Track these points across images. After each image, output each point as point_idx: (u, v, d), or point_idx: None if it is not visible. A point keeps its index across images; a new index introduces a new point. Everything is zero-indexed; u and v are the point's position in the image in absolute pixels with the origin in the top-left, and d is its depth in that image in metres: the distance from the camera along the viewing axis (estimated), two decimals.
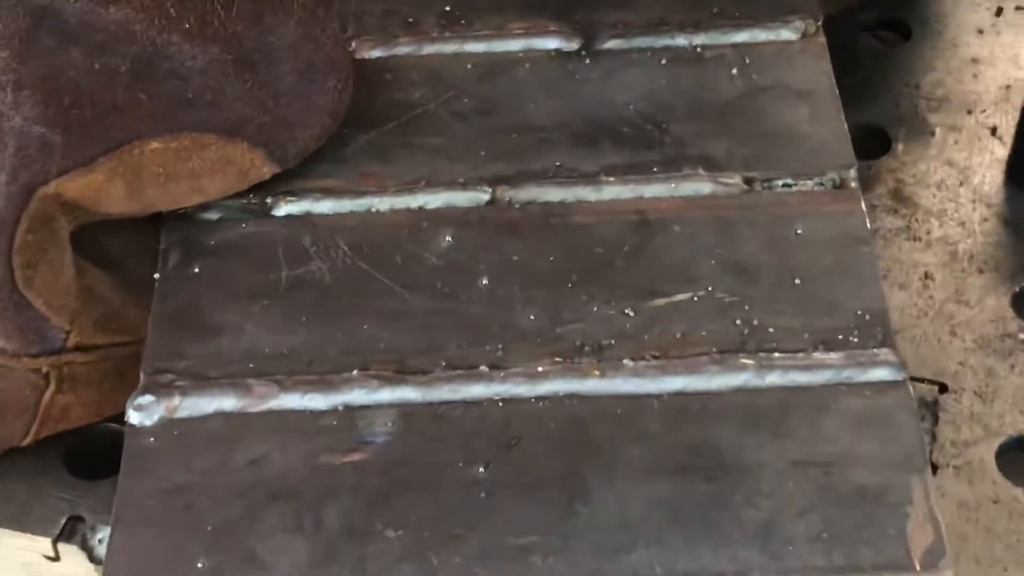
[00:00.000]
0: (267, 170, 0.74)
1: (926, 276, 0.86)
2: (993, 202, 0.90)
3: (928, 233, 0.89)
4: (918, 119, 0.95)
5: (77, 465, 0.77)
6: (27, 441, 0.73)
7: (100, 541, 0.74)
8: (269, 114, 0.73)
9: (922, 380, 0.80)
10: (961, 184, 0.91)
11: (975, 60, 0.98)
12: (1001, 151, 0.92)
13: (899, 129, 0.94)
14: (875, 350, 0.68)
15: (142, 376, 0.69)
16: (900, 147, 0.92)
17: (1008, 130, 0.93)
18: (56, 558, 0.75)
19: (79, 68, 0.68)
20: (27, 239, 0.68)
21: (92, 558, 0.74)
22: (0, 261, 0.67)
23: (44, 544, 0.74)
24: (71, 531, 0.74)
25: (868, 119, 0.93)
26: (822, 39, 0.82)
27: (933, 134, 0.94)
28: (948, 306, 0.85)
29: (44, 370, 0.70)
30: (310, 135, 0.75)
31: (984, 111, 0.95)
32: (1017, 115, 0.92)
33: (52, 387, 0.71)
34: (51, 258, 0.69)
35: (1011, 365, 0.81)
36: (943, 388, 0.77)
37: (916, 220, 0.89)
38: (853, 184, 0.76)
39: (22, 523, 0.74)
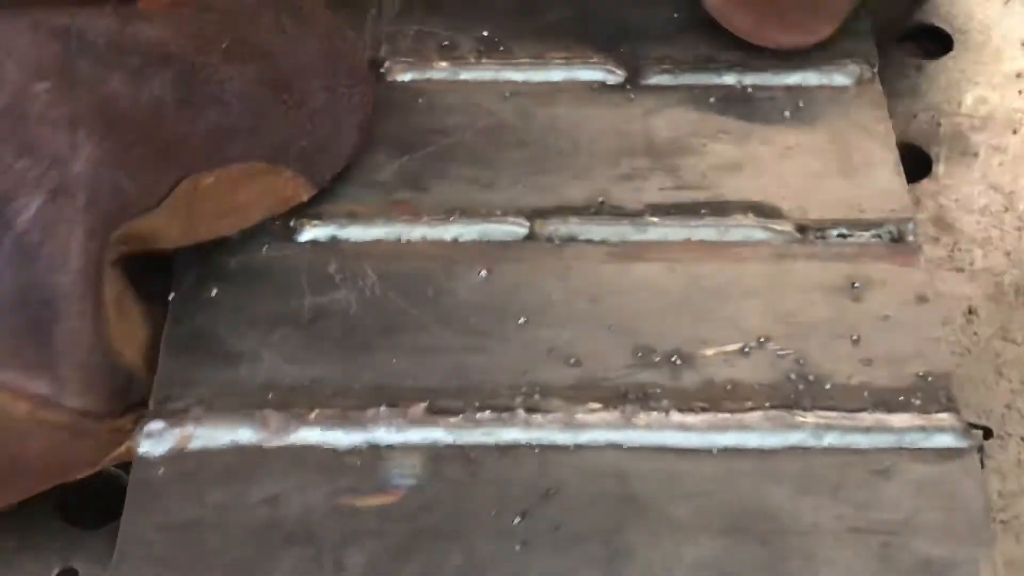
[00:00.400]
0: (305, 195, 0.70)
1: (970, 311, 0.81)
2: None
3: (971, 264, 0.84)
4: (960, 138, 0.90)
5: (70, 512, 0.72)
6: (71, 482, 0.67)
7: None
8: (306, 136, 0.70)
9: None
10: (1006, 210, 0.86)
11: (1020, 75, 0.93)
12: None
13: (940, 149, 0.89)
14: (939, 414, 0.64)
15: (151, 403, 0.64)
16: (941, 169, 0.88)
17: None
18: None
19: (126, 98, 0.64)
20: (112, 289, 0.63)
21: None
22: (89, 323, 0.62)
23: None
24: None
25: (906, 138, 0.88)
26: (879, 86, 0.79)
27: (976, 155, 0.89)
28: (994, 343, 0.80)
29: (128, 427, 0.64)
30: (341, 155, 0.72)
31: None
32: None
33: (126, 445, 0.64)
34: (127, 309, 0.64)
35: None
36: (988, 433, 0.72)
37: (958, 249, 0.84)
38: (911, 238, 0.72)
39: (12, 574, 0.69)
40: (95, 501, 0.72)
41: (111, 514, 0.70)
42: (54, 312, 0.62)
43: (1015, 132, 0.89)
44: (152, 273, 0.69)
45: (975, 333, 0.80)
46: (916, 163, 0.87)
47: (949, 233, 0.85)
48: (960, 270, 0.83)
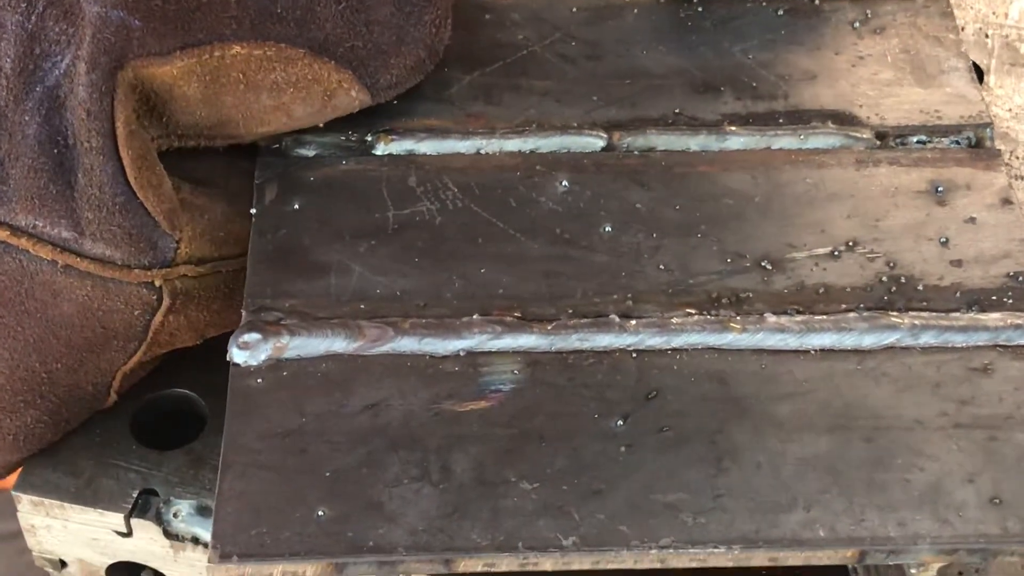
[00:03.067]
0: (355, 94, 0.68)
1: None
2: None
3: None
4: (1009, 49, 0.89)
5: (145, 434, 0.71)
6: (126, 368, 0.67)
7: (175, 515, 0.68)
8: (361, 39, 0.68)
9: None
10: None
11: None
12: None
13: (989, 60, 0.88)
14: None
15: (244, 313, 0.63)
16: (992, 79, 0.87)
17: None
18: (128, 534, 0.69)
19: None
20: (129, 131, 0.62)
21: (167, 533, 0.68)
22: (102, 158, 0.62)
23: (115, 519, 0.68)
24: (144, 506, 0.68)
25: None
26: None
27: None
28: None
29: (157, 283, 0.64)
30: (404, 65, 0.70)
31: None
32: None
33: (166, 303, 0.65)
34: (151, 162, 0.64)
35: None
36: None
37: (1016, 157, 0.84)
38: (990, 143, 0.71)
39: (91, 498, 0.68)
40: (169, 421, 0.72)
41: (187, 435, 0.70)
42: (75, 155, 0.62)
43: None
44: None
45: None
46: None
47: (1005, 142, 0.84)
48: (1020, 178, 0.83)
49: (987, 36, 0.88)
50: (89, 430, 0.70)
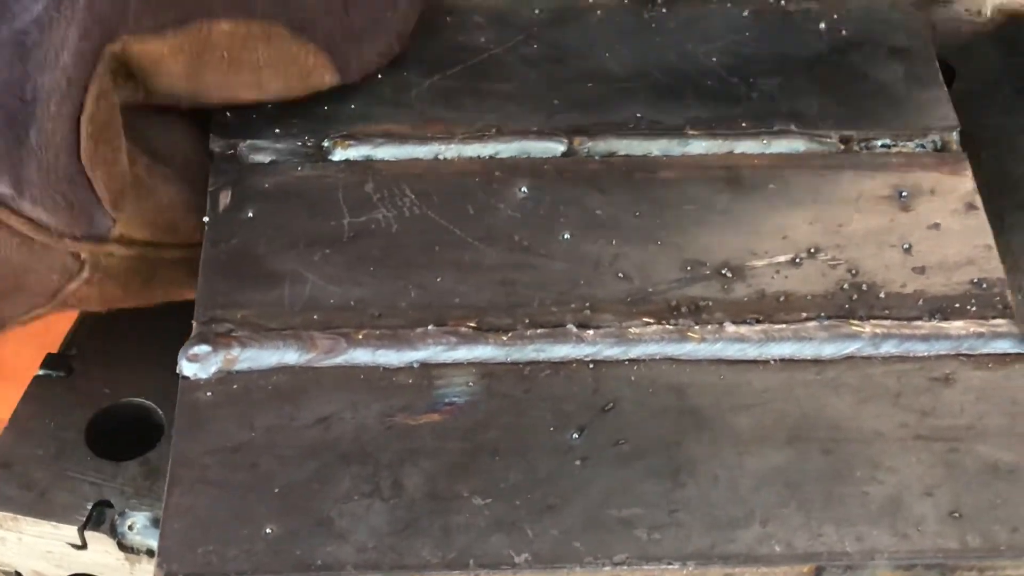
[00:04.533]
0: (328, 78, 0.69)
1: (1000, 218, 0.80)
2: None
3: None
4: (980, 48, 0.89)
5: (101, 443, 0.70)
6: (21, 321, 0.67)
7: (130, 527, 0.67)
8: (338, 20, 0.68)
9: None
10: None
11: None
12: None
13: (959, 59, 0.87)
14: (996, 320, 0.63)
15: (195, 325, 0.62)
16: (964, 80, 0.86)
17: None
18: (83, 546, 0.68)
19: None
20: (96, 107, 0.61)
21: (122, 545, 0.67)
22: (65, 128, 0.61)
23: (70, 532, 0.67)
24: (98, 518, 0.68)
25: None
26: None
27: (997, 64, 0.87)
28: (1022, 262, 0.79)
29: (83, 256, 0.64)
30: (374, 51, 0.70)
31: None
32: None
33: (83, 276, 0.65)
34: (111, 136, 0.63)
35: None
36: None
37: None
38: (955, 147, 0.71)
39: (45, 511, 0.68)
40: (125, 431, 0.71)
41: (142, 445, 0.70)
42: (33, 111, 0.61)
43: None
44: None
45: (1008, 246, 0.78)
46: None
47: (974, 141, 0.83)
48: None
49: (959, 34, 0.87)
50: (43, 441, 0.70)
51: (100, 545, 0.68)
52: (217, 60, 0.66)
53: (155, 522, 0.67)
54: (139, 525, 0.67)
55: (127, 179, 0.64)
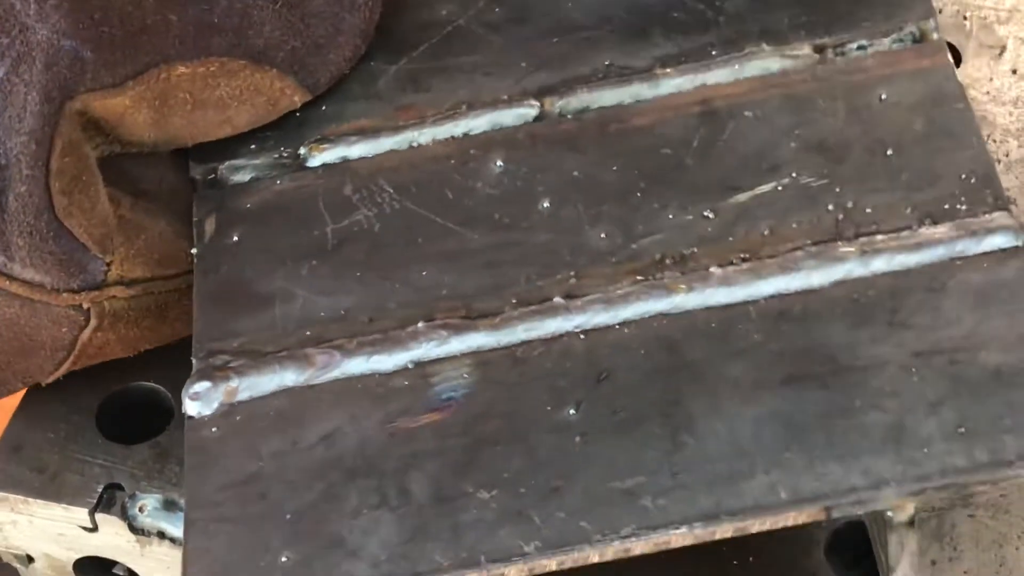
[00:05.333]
0: (298, 99, 0.69)
1: (1008, 200, 0.78)
2: None
3: (1007, 155, 0.81)
4: (987, 31, 0.86)
5: (111, 427, 0.72)
6: (53, 378, 0.69)
7: (141, 510, 0.69)
8: (299, 37, 0.68)
9: None
10: None
11: None
12: None
13: (967, 43, 0.85)
14: (988, 215, 0.61)
15: (194, 362, 0.63)
16: (970, 62, 0.84)
17: None
18: (94, 529, 0.70)
19: None
20: (63, 163, 0.63)
21: (132, 528, 0.69)
22: (38, 187, 0.62)
23: (80, 515, 0.70)
24: (109, 500, 0.70)
25: None
26: None
27: (1004, 48, 0.85)
28: None
29: (85, 306, 0.66)
30: (341, 57, 0.69)
31: None
32: None
33: (93, 324, 0.67)
34: (85, 184, 0.64)
35: None
36: None
37: (993, 140, 0.81)
38: (935, 36, 0.68)
39: (56, 493, 0.70)
40: (134, 414, 0.73)
41: (152, 427, 0.71)
42: (8, 177, 0.62)
43: None
44: None
45: None
46: None
47: (983, 126, 0.81)
48: (996, 161, 0.80)
49: (965, 18, 0.84)
50: (54, 424, 0.72)
51: (111, 527, 0.70)
52: (181, 104, 0.66)
53: (166, 504, 0.69)
54: (150, 507, 0.69)
55: (111, 222, 0.66)
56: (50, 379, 0.70)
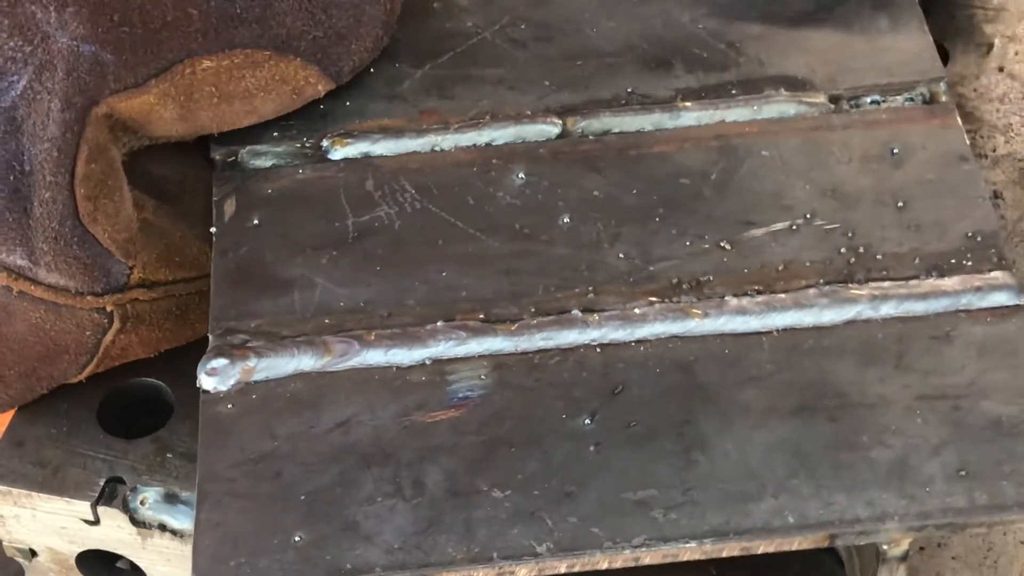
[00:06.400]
0: (321, 87, 0.70)
1: (995, 195, 0.82)
2: None
3: (994, 150, 0.84)
4: (974, 30, 0.90)
5: (112, 422, 0.72)
6: (80, 378, 0.69)
7: (142, 503, 0.70)
8: (321, 27, 0.68)
9: None
10: None
11: None
12: None
13: (955, 42, 0.89)
14: (991, 273, 0.64)
15: (211, 338, 0.64)
16: (958, 61, 0.88)
17: None
18: (96, 522, 0.70)
19: None
20: (88, 169, 0.63)
21: (134, 521, 0.70)
22: (63, 194, 0.63)
23: (82, 508, 0.70)
24: (111, 493, 0.70)
25: None
26: None
27: (991, 46, 0.89)
28: (1020, 226, 0.81)
29: (108, 308, 0.66)
30: (363, 47, 0.71)
31: None
32: None
33: (116, 326, 0.67)
34: (111, 189, 0.65)
35: None
36: None
37: (980, 136, 0.85)
38: (945, 98, 0.71)
39: (58, 487, 0.70)
40: (136, 409, 0.73)
41: (153, 422, 0.72)
42: (32, 183, 0.63)
43: None
44: None
45: (1002, 217, 0.80)
46: None
47: (970, 122, 0.85)
48: (983, 156, 0.83)
49: (953, 17, 0.88)
50: (56, 419, 0.72)
51: (113, 520, 0.70)
52: (207, 97, 0.67)
53: (167, 497, 0.69)
54: (151, 500, 0.70)
55: (134, 226, 0.66)
56: (76, 380, 0.70)
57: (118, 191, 0.66)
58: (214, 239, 0.67)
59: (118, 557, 0.74)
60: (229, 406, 0.62)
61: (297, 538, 0.57)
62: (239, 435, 0.61)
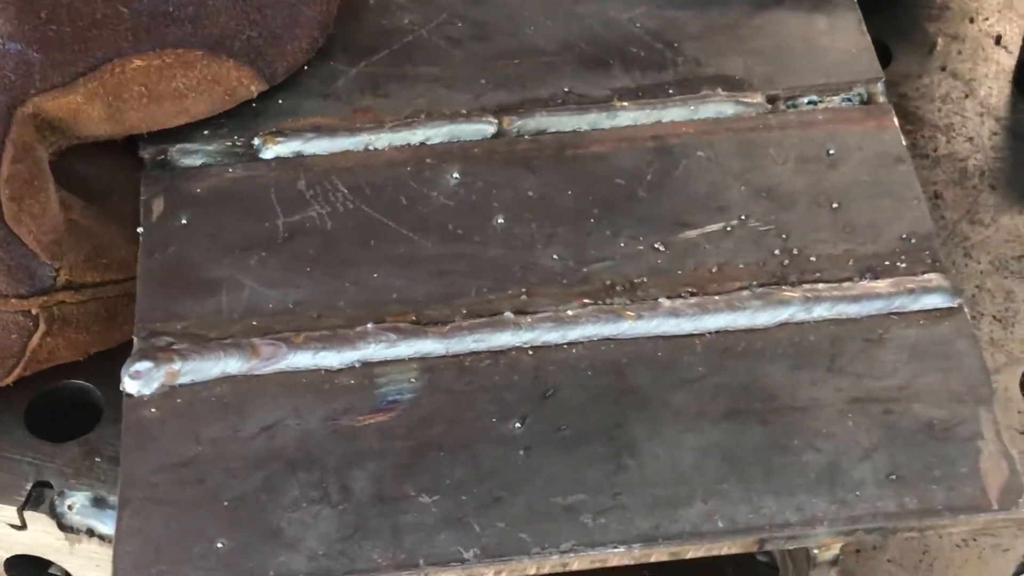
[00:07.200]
0: (255, 88, 0.69)
1: (936, 195, 0.82)
2: (1001, 115, 0.86)
3: (935, 150, 0.84)
4: (917, 29, 0.90)
5: (39, 425, 0.71)
6: (7, 382, 0.68)
7: (70, 507, 0.69)
8: (256, 28, 0.67)
9: None
10: (967, 97, 0.87)
11: None
12: (1007, 60, 0.88)
13: (898, 41, 0.89)
14: (926, 275, 0.64)
15: (136, 340, 0.63)
16: (900, 60, 0.87)
17: (1014, 39, 0.89)
18: (23, 527, 0.69)
19: None
20: (14, 169, 0.62)
21: (62, 526, 0.69)
22: None
23: (9, 513, 0.69)
24: (38, 498, 0.69)
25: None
26: None
27: (934, 45, 0.89)
28: (961, 226, 0.81)
29: (33, 311, 0.65)
30: (298, 48, 0.70)
31: (987, 19, 0.90)
32: (1022, 22, 0.87)
33: (41, 329, 0.66)
34: (36, 190, 0.64)
35: None
36: None
37: (922, 136, 0.85)
38: (882, 99, 0.71)
39: None
40: (64, 412, 0.72)
41: (81, 425, 0.71)
42: None
43: (972, 21, 0.89)
44: None
45: (942, 217, 0.80)
46: (876, 55, 0.86)
47: (911, 122, 0.85)
48: (924, 156, 0.83)
49: (895, 16, 0.88)
50: None
51: (40, 525, 0.69)
52: (137, 97, 0.66)
53: (95, 502, 0.69)
54: (79, 505, 0.69)
55: (61, 227, 0.65)
56: (1, 384, 0.69)
57: (44, 192, 0.65)
58: (141, 239, 0.66)
59: (49, 563, 0.73)
60: (153, 410, 0.61)
61: (219, 545, 0.57)
62: (162, 440, 0.60)
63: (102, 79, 0.64)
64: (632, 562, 0.57)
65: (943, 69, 0.87)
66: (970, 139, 0.85)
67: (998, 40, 0.89)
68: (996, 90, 0.87)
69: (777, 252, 0.65)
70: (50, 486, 0.69)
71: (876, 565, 0.66)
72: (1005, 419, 0.71)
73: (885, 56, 0.88)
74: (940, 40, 0.89)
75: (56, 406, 0.72)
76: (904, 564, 0.66)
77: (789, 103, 0.71)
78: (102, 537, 0.68)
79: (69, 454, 0.70)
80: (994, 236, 0.80)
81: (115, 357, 0.65)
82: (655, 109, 0.71)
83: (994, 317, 0.76)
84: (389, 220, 0.67)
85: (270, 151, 0.70)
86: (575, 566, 0.57)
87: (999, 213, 0.81)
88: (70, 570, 0.71)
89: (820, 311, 0.63)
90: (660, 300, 0.63)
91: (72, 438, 0.71)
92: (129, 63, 0.65)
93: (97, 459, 0.70)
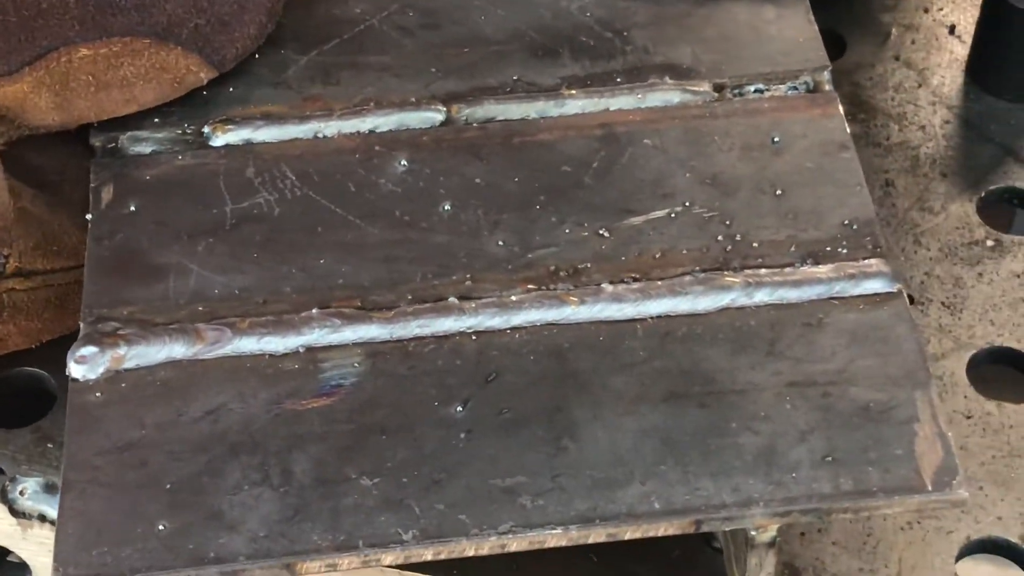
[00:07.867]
0: (204, 75, 0.69)
1: (887, 183, 0.83)
2: (954, 104, 0.87)
3: (888, 138, 0.85)
4: (872, 19, 0.91)
5: None
6: None
7: (21, 493, 0.69)
8: (203, 15, 0.68)
9: None
10: (920, 86, 0.87)
11: None
12: (960, 50, 0.89)
13: (852, 30, 0.90)
14: (866, 261, 0.64)
15: (82, 326, 0.63)
16: (855, 49, 0.88)
17: (967, 28, 0.89)
18: None
19: None
20: None
21: (14, 511, 0.69)
22: None
23: None
24: None
25: (819, 21, 0.89)
26: None
27: (888, 35, 0.90)
28: (911, 214, 0.81)
29: None
30: (247, 35, 0.70)
31: (941, 9, 0.91)
32: (976, 11, 0.88)
33: None
34: None
35: (979, 274, 0.78)
36: (909, 300, 0.74)
37: (875, 125, 0.86)
38: (828, 87, 0.72)
39: None
40: (17, 399, 0.72)
41: (34, 412, 0.71)
42: None
43: (926, 11, 0.89)
44: None
45: (893, 205, 0.81)
46: (831, 44, 0.87)
47: (864, 110, 0.86)
48: (876, 144, 0.84)
49: (850, 5, 0.89)
50: None
51: None
52: (84, 86, 0.66)
53: (47, 488, 0.69)
54: (31, 491, 0.69)
55: (10, 215, 0.65)
56: None
57: None
58: (89, 226, 0.67)
59: (8, 551, 0.73)
60: (98, 394, 0.61)
61: (161, 527, 0.57)
62: (106, 423, 0.60)
63: (48, 68, 0.65)
64: (569, 543, 0.57)
65: (897, 58, 0.88)
66: (922, 128, 0.85)
67: (952, 30, 0.90)
68: (949, 79, 0.87)
69: (720, 238, 0.66)
70: (2, 472, 0.69)
71: (821, 548, 0.67)
72: (951, 404, 0.72)
73: (839, 45, 0.89)
74: (894, 30, 0.90)
75: (9, 393, 0.73)
76: (848, 547, 0.67)
77: (736, 91, 0.71)
78: (53, 522, 0.68)
79: (21, 440, 0.70)
80: (944, 223, 0.81)
81: (68, 345, 0.65)
82: (603, 97, 0.71)
83: (943, 304, 0.77)
84: (336, 207, 0.67)
85: (220, 139, 0.70)
86: (513, 547, 0.57)
87: (949, 201, 0.82)
88: (23, 556, 0.72)
89: (761, 296, 0.64)
90: (603, 285, 0.64)
91: (26, 425, 0.71)
92: (76, 52, 0.65)
93: (49, 445, 0.70)
